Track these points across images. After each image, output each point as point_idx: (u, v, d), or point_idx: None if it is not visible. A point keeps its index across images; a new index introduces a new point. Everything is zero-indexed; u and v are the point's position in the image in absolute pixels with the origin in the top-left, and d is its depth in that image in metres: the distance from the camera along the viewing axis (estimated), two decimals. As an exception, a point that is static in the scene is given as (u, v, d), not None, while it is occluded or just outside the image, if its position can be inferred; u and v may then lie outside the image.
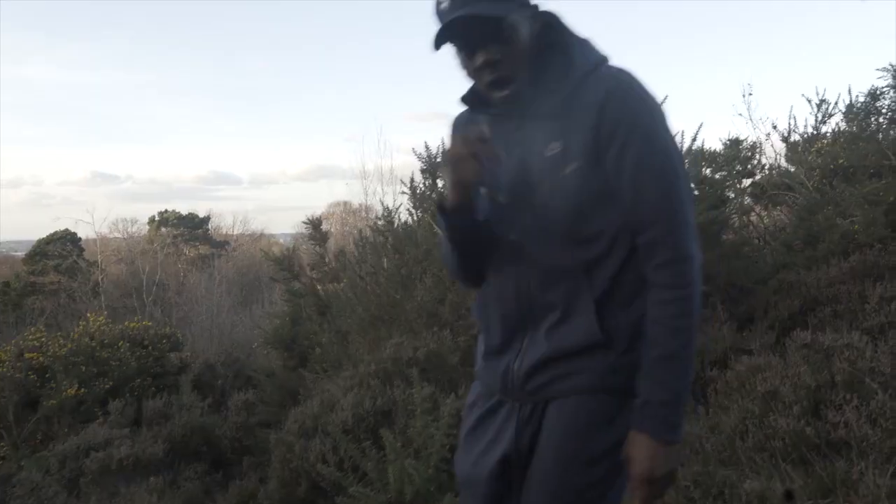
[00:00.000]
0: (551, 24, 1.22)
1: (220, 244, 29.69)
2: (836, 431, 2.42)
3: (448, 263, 1.32)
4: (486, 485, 1.27)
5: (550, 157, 1.17)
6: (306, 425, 3.70)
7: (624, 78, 1.18)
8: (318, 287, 7.05)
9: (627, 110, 1.14)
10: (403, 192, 5.13)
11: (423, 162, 4.87)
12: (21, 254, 27.71)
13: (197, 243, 28.31)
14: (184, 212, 29.47)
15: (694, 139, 4.74)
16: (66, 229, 25.26)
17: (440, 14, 1.14)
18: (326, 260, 7.16)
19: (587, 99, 1.15)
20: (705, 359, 3.91)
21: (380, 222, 5.34)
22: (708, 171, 5.24)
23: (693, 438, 3.01)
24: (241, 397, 6.18)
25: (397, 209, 5.29)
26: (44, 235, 25.53)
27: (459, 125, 1.36)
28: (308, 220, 7.59)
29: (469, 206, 1.20)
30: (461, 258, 1.28)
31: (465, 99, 1.30)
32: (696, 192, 4.73)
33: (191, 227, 28.89)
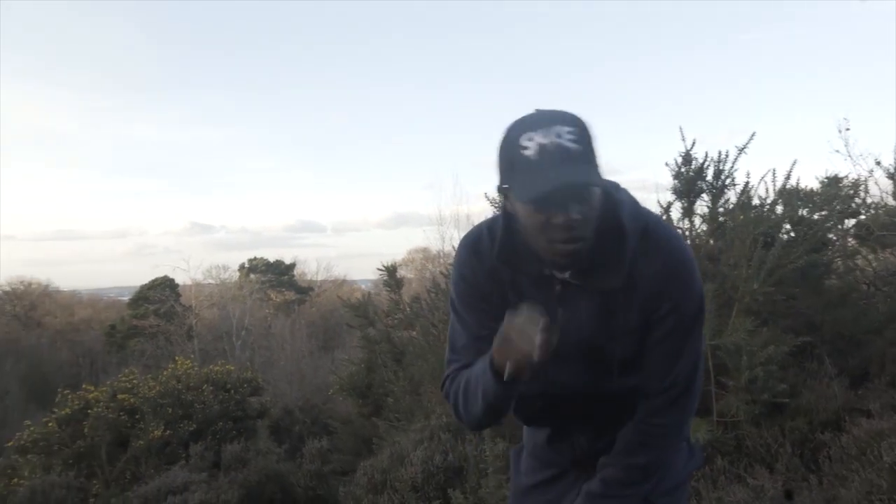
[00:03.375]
0: (608, 189, 1.19)
1: (305, 290, 30.64)
2: (984, 515, 2.04)
3: (470, 411, 1.23)
4: None
5: (603, 321, 1.20)
6: (375, 479, 3.58)
7: (675, 252, 1.21)
8: (393, 334, 7.00)
9: (679, 289, 1.20)
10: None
11: (496, 208, 4.77)
12: (126, 299, 29.72)
13: (283, 289, 29.35)
14: (271, 259, 30.79)
15: (787, 177, 4.39)
16: (165, 276, 26.97)
17: (533, 170, 1.03)
18: (401, 306, 7.13)
19: (643, 271, 1.17)
20: (814, 420, 3.51)
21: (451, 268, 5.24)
22: (804, 211, 4.83)
23: (805, 513, 2.65)
24: (315, 444, 6.15)
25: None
26: (146, 282, 27.37)
27: (473, 261, 1.27)
28: (383, 266, 7.63)
29: (522, 379, 1.13)
30: (492, 414, 1.22)
31: (501, 257, 1.21)
32: (792, 235, 4.36)
33: (277, 274, 30.06)
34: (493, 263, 1.22)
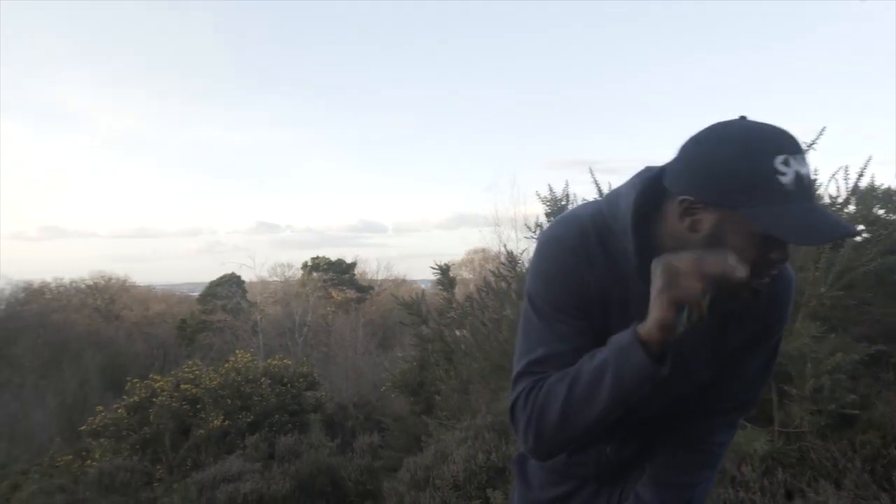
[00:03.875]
0: None
1: (365, 289, 31.11)
2: None
3: (572, 422, 1.00)
4: None
5: (714, 343, 1.09)
6: (418, 476, 3.57)
7: (788, 274, 1.14)
8: (446, 332, 7.01)
9: (785, 312, 1.17)
10: (528, 237, 4.97)
11: (547, 205, 4.68)
12: (196, 294, 31.05)
13: (344, 287, 29.91)
14: (333, 258, 31.39)
15: (860, 175, 4.08)
16: (233, 273, 27.99)
17: (789, 202, 0.89)
18: (454, 305, 7.12)
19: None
20: (888, 434, 3.26)
21: (503, 267, 5.20)
22: (882, 211, 4.50)
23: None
24: (366, 440, 6.21)
25: (521, 253, 5.13)
26: (215, 278, 28.51)
27: (582, 264, 1.05)
28: (436, 265, 7.65)
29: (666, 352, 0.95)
30: (607, 418, 0.98)
31: (643, 275, 1.00)
32: (866, 236, 4.07)
33: (339, 272, 30.64)
34: (604, 269, 1.04)
